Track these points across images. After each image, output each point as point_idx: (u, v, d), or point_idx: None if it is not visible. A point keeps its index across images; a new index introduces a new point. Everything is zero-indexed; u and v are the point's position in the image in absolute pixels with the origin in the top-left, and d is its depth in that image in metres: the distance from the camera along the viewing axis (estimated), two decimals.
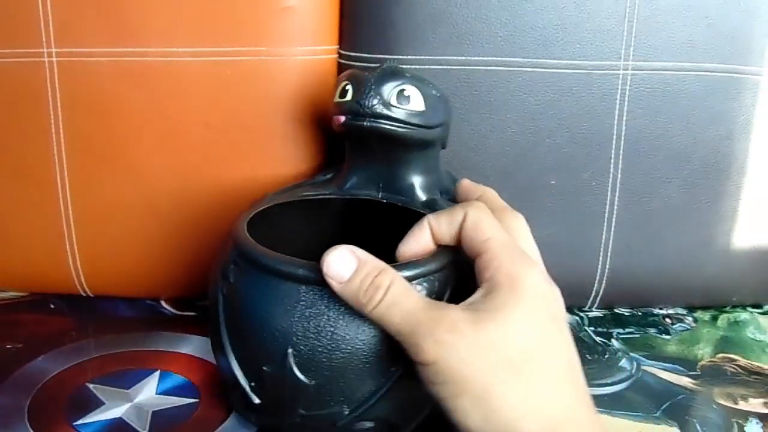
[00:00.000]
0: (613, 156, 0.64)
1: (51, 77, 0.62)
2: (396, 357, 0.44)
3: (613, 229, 0.65)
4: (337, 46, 0.65)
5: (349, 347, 0.45)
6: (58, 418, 0.54)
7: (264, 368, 0.46)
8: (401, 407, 0.48)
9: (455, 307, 0.42)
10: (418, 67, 0.61)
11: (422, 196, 0.56)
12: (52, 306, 0.70)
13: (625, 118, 0.63)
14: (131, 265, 0.68)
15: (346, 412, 0.46)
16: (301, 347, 0.45)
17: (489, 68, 0.62)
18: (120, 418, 0.54)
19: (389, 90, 0.50)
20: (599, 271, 0.67)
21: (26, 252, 0.68)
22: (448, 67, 0.62)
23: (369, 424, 0.48)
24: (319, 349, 0.45)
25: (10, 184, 0.66)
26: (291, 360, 0.45)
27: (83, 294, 0.70)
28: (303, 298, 0.45)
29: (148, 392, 0.57)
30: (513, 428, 0.40)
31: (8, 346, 0.63)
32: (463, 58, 0.61)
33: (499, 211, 0.48)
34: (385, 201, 0.56)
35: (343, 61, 0.65)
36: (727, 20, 0.62)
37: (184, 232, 0.66)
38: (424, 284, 0.45)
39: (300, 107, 0.64)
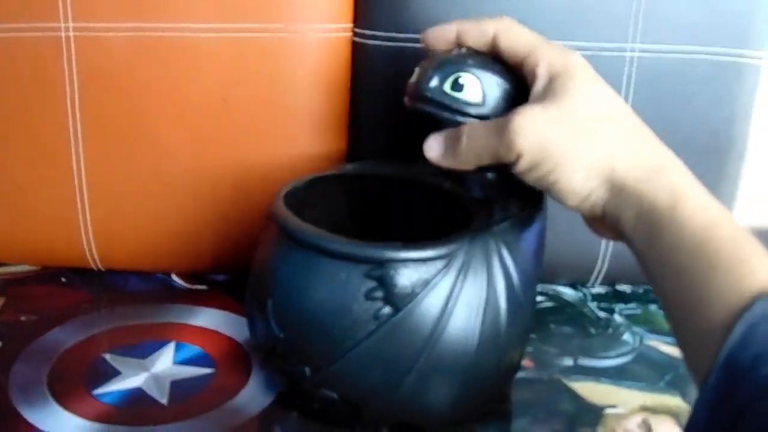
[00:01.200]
0: None
1: (68, 51, 0.63)
2: (360, 325, 0.47)
3: None
4: (352, 25, 0.66)
5: (317, 306, 0.47)
6: (77, 387, 0.55)
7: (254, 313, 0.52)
8: (363, 383, 0.49)
9: (524, 106, 0.47)
10: None
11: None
12: (63, 279, 0.71)
13: (630, 99, 0.64)
14: (144, 239, 0.69)
15: (308, 373, 0.49)
16: (278, 297, 0.49)
17: None
18: (139, 387, 0.56)
19: (445, 76, 0.50)
20: (602, 248, 0.68)
21: (40, 226, 0.68)
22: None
23: (332, 395, 0.49)
24: (292, 303, 0.48)
25: (25, 157, 0.66)
26: (270, 309, 0.49)
27: (95, 268, 0.71)
28: (293, 254, 0.49)
29: (165, 362, 0.58)
30: (613, 173, 0.44)
31: (22, 319, 0.64)
32: None
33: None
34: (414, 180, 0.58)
35: (357, 39, 0.66)
36: (732, 5, 0.63)
37: (197, 208, 0.67)
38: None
39: (315, 84, 0.65)
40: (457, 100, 0.50)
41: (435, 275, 0.47)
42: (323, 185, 0.59)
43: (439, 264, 0.47)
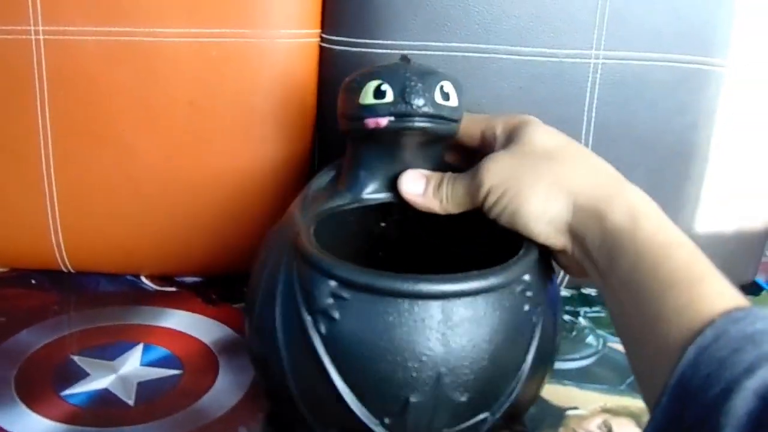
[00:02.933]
0: (582, 141, 0.66)
1: (38, 55, 0.63)
2: (521, 350, 0.46)
3: None
4: (320, 31, 0.67)
5: (489, 350, 0.44)
6: (45, 388, 0.55)
7: (411, 399, 0.44)
8: (524, 399, 0.49)
9: (491, 154, 0.50)
10: (397, 51, 0.63)
11: None
12: (33, 281, 0.71)
13: (595, 105, 0.65)
14: (113, 241, 0.69)
15: (488, 418, 0.46)
16: (453, 365, 0.43)
17: (466, 54, 0.64)
18: (106, 388, 0.56)
19: (434, 88, 0.50)
20: None
21: (8, 228, 0.69)
22: (427, 52, 0.63)
23: (499, 423, 0.48)
24: (473, 361, 0.44)
25: None
26: (444, 382, 0.43)
27: (65, 270, 0.72)
28: (443, 315, 0.43)
29: (133, 364, 0.59)
30: (574, 194, 0.47)
31: None
32: (441, 44, 0.63)
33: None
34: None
35: (324, 45, 0.66)
36: (695, 13, 0.65)
37: (166, 210, 0.67)
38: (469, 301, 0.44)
39: (282, 89, 0.65)
40: (448, 108, 0.50)
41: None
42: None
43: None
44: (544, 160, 0.49)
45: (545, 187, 0.47)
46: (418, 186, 0.52)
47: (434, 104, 0.49)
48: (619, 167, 0.66)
